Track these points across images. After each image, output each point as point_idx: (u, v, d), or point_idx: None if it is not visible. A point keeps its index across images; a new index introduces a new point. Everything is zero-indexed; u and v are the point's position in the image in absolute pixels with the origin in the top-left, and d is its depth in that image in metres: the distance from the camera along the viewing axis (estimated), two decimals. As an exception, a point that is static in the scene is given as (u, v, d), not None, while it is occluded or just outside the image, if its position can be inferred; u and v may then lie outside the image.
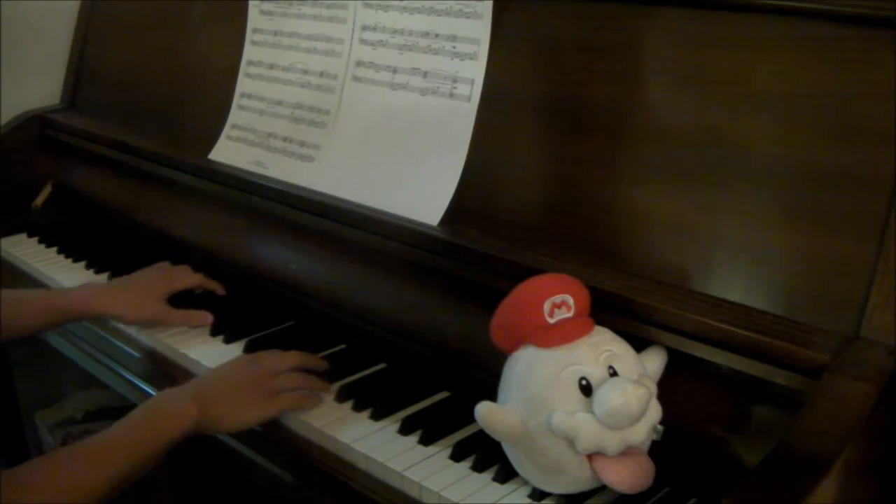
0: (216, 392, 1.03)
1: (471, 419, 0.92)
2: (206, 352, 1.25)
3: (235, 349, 1.25)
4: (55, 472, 0.93)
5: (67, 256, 1.60)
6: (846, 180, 0.91)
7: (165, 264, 1.36)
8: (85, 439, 0.97)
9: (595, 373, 0.90)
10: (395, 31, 1.30)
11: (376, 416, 1.07)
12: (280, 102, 1.45)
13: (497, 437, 0.92)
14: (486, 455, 0.97)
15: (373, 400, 1.09)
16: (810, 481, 0.72)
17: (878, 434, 0.82)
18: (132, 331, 1.32)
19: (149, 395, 1.25)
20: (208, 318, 1.31)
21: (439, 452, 1.01)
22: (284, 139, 1.43)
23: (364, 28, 1.34)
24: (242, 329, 1.29)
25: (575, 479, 0.90)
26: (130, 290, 1.28)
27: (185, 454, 1.31)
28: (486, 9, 1.19)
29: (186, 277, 1.35)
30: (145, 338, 1.31)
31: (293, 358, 1.13)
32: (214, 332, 1.30)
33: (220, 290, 1.38)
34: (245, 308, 1.37)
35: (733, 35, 1.00)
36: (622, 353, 0.92)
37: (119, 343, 1.33)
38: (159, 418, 1.00)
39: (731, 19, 1.00)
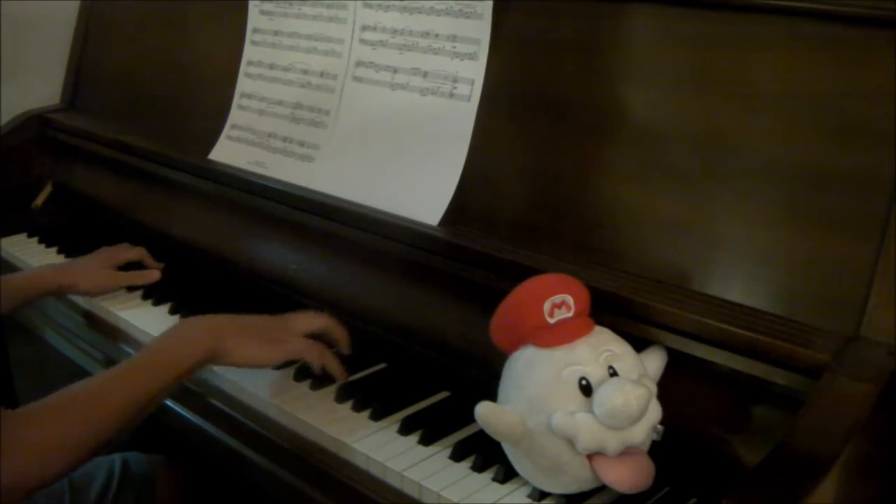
0: (231, 327, 1.10)
1: (471, 419, 0.92)
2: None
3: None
4: (76, 400, 0.96)
5: (68, 256, 1.59)
6: (846, 180, 0.91)
7: (104, 248, 1.46)
8: (104, 371, 1.03)
9: (595, 373, 0.90)
10: (395, 31, 1.30)
11: (376, 416, 1.07)
12: (280, 102, 1.45)
13: (497, 437, 0.92)
14: (486, 455, 0.97)
15: (373, 400, 1.09)
16: (810, 481, 0.72)
17: (878, 434, 0.82)
18: (133, 331, 1.32)
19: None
20: (155, 274, 1.43)
21: (439, 452, 1.00)
22: (284, 139, 1.43)
23: (364, 28, 1.34)
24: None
25: (575, 479, 0.90)
26: (79, 263, 1.42)
27: (184, 453, 1.32)
28: (486, 9, 1.19)
29: (128, 252, 1.46)
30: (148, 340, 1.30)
31: (318, 320, 1.17)
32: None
33: (157, 267, 1.46)
34: (245, 309, 1.36)
35: (733, 35, 1.00)
36: (622, 353, 0.92)
37: (119, 344, 1.33)
38: (177, 345, 1.06)
39: (731, 19, 1.00)
